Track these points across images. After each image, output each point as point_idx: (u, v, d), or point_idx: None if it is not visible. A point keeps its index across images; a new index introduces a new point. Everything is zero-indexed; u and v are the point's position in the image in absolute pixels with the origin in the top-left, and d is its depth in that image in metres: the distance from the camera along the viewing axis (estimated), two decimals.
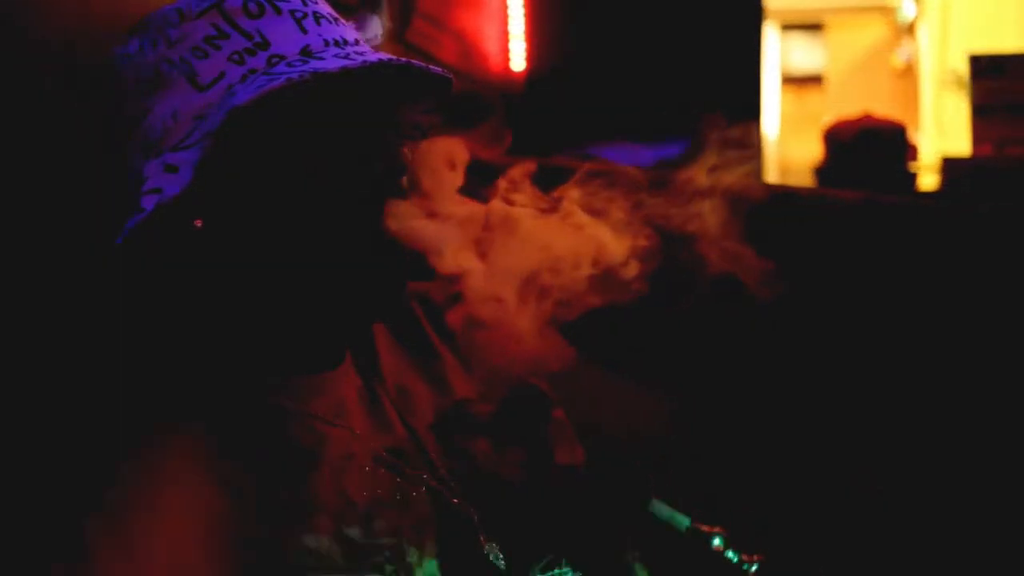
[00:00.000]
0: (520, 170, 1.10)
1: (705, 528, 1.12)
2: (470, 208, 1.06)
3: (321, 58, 1.00)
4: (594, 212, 1.09)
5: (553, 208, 1.09)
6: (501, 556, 1.10)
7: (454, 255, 1.04)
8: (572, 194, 1.09)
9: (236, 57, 0.99)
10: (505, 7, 4.10)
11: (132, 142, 1.01)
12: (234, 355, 1.05)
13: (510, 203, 1.08)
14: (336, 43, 1.03)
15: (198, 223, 1.00)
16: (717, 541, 1.11)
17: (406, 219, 1.04)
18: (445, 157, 1.08)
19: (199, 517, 0.91)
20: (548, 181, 1.12)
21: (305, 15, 1.03)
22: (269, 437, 1.00)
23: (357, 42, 1.07)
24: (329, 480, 1.01)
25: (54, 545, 0.88)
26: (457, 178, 1.07)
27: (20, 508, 0.91)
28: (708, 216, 1.13)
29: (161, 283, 1.06)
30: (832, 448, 1.91)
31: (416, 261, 1.04)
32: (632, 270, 1.07)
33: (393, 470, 1.06)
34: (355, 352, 1.15)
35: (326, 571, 0.96)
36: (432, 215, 1.05)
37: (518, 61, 4.11)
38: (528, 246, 1.06)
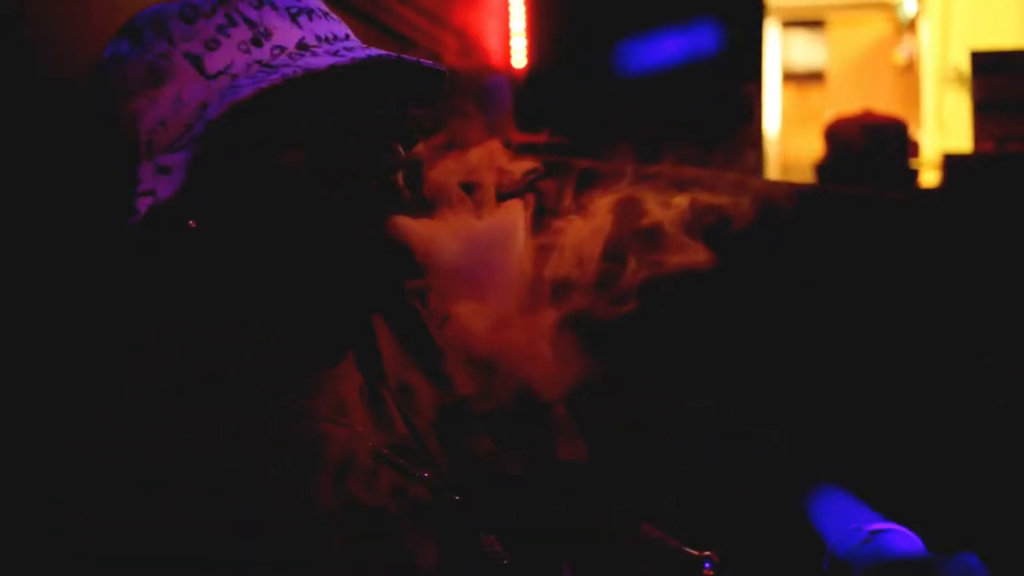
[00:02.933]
0: (558, 174, 1.10)
1: (695, 552, 1.11)
2: (500, 216, 1.06)
3: (314, 54, 1.00)
4: (625, 217, 1.08)
5: (583, 214, 1.08)
6: (502, 553, 1.10)
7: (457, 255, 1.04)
8: (605, 200, 1.09)
9: (243, 47, 1.00)
10: (506, 4, 4.10)
11: (124, 143, 1.01)
12: (233, 353, 1.05)
13: (546, 210, 1.08)
14: (327, 39, 1.04)
15: (192, 224, 1.00)
16: (707, 565, 1.10)
17: (408, 215, 1.04)
18: (484, 162, 1.08)
19: (196, 516, 0.91)
20: (583, 183, 1.11)
21: (299, 11, 1.04)
22: (270, 435, 1.00)
23: (348, 37, 1.07)
24: (330, 478, 1.01)
25: (51, 544, 0.88)
26: (492, 182, 1.07)
27: (17, 506, 0.91)
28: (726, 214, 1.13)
29: (158, 283, 1.06)
30: (836, 455, 1.91)
31: (414, 258, 1.04)
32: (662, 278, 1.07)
33: (394, 467, 1.06)
34: (356, 349, 1.15)
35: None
36: (458, 220, 1.05)
37: (519, 58, 4.11)
38: (556, 255, 1.05)
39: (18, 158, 1.20)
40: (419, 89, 1.10)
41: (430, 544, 1.03)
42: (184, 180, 0.96)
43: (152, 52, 1.00)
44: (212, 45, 1.00)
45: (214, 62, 0.99)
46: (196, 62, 0.99)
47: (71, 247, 1.21)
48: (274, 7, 1.02)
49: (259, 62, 0.99)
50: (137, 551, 0.87)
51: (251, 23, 1.01)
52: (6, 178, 1.19)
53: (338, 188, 1.01)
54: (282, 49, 1.00)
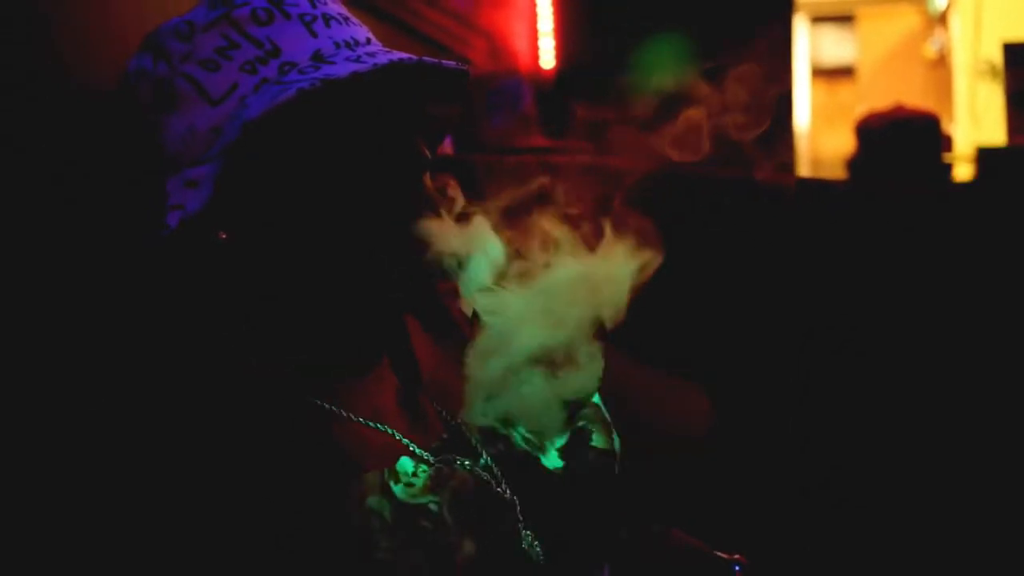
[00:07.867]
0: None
1: (724, 555, 1.11)
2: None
3: (332, 62, 0.99)
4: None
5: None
6: (540, 544, 1.09)
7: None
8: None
9: (248, 67, 0.99)
10: (534, 5, 4.11)
11: (151, 157, 1.02)
12: (270, 360, 1.06)
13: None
14: (347, 44, 1.03)
15: (222, 235, 1.01)
16: (737, 568, 1.09)
17: (435, 218, 1.04)
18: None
19: (239, 519, 0.92)
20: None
21: (315, 18, 1.03)
22: (309, 440, 1.01)
23: (369, 41, 1.07)
24: (370, 481, 1.01)
25: (77, 542, 0.90)
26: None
27: (37, 509, 0.93)
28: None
29: (193, 293, 1.07)
30: (871, 460, 1.89)
31: (441, 260, 1.04)
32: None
33: (432, 467, 1.06)
34: (391, 352, 1.16)
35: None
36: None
37: (548, 59, 4.11)
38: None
39: (47, 167, 1.21)
40: (442, 90, 1.10)
41: (469, 543, 1.03)
42: (211, 193, 0.97)
43: (157, 73, 1.01)
44: (211, 67, 1.00)
45: (216, 86, 0.99)
46: (198, 87, 0.99)
47: (104, 260, 1.23)
48: (286, 16, 1.02)
49: (267, 80, 0.99)
50: (177, 551, 0.88)
51: (256, 42, 1.00)
52: (36, 186, 1.20)
53: (366, 191, 1.02)
54: (292, 65, 1.00)
